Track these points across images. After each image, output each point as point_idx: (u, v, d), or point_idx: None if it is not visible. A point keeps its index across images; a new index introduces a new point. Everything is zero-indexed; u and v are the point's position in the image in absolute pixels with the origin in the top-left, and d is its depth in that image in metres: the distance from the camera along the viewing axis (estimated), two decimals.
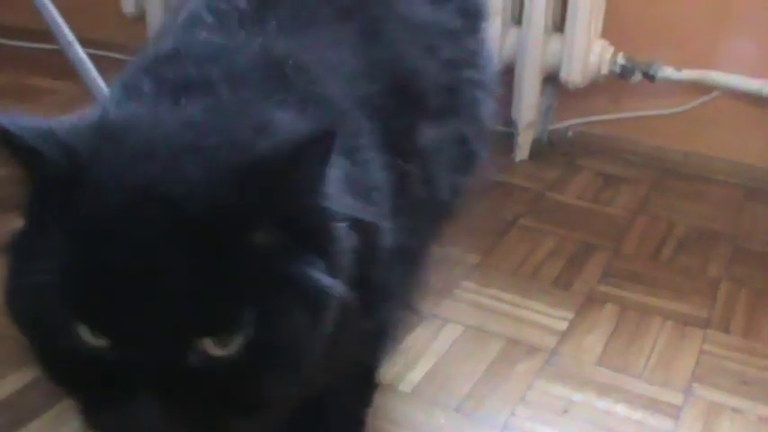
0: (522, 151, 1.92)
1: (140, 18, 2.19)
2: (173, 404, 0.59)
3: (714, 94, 1.86)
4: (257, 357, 0.61)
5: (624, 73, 1.85)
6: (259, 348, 0.60)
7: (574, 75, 1.81)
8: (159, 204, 0.59)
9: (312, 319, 0.63)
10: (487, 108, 1.01)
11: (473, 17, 1.02)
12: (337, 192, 0.66)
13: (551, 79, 1.89)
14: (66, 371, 0.63)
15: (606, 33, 1.84)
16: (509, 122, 1.90)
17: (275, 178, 0.60)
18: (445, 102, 0.90)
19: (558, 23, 1.84)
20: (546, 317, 1.37)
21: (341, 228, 0.66)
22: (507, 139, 1.92)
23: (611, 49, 1.84)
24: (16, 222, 0.64)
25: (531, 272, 1.49)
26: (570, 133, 2.02)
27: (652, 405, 1.19)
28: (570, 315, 1.37)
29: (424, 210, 0.85)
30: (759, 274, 1.53)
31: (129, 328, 0.58)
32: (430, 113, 0.87)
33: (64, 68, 1.73)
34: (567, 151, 1.99)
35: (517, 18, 1.85)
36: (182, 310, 0.58)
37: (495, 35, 1.82)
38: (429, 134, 0.86)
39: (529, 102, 1.87)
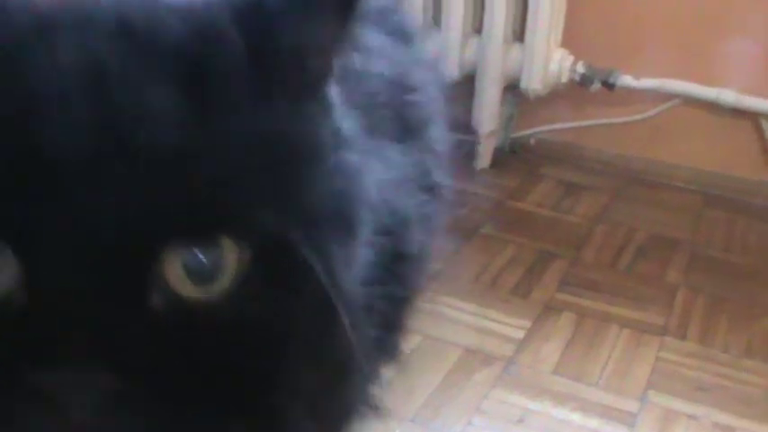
0: (484, 160, 1.93)
1: None
2: (121, 384, 0.36)
3: (673, 102, 1.88)
4: (264, 305, 0.39)
5: (584, 81, 1.86)
6: (267, 289, 0.39)
7: (534, 83, 1.83)
8: (111, 21, 0.39)
9: (348, 242, 0.43)
10: (438, 132, 0.82)
11: (397, 36, 0.81)
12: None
13: (512, 88, 1.90)
14: None
15: (566, 42, 1.86)
16: (470, 131, 1.90)
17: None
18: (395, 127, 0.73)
19: (518, 33, 1.85)
20: (504, 326, 1.37)
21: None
22: (469, 148, 1.92)
23: (571, 58, 1.85)
24: None
25: (490, 281, 1.50)
26: (532, 141, 2.03)
27: (607, 413, 1.20)
28: (528, 324, 1.38)
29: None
30: (716, 280, 1.54)
31: (52, 233, 0.35)
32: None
33: None
34: (529, 159, 2.00)
35: (477, 28, 1.86)
36: (158, 182, 0.36)
37: (456, 45, 1.83)
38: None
39: (490, 110, 1.88)
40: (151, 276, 0.37)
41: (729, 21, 1.79)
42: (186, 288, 0.38)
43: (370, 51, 0.61)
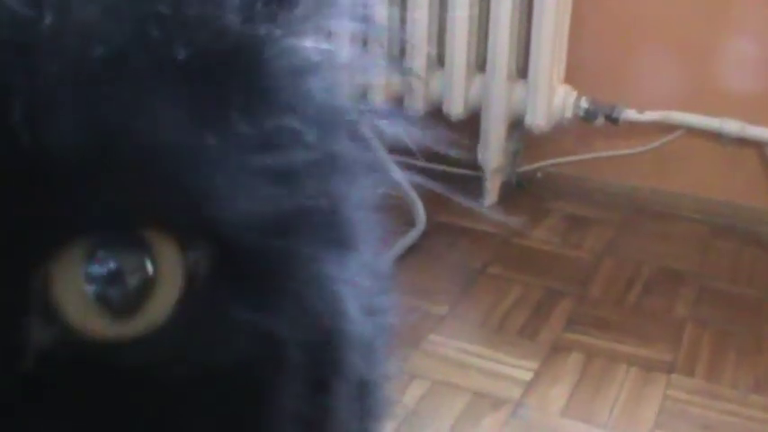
0: (491, 196, 1.95)
1: None
2: None
3: (677, 133, 1.90)
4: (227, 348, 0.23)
5: (588, 116, 1.88)
6: (228, 325, 0.23)
7: (538, 119, 1.85)
8: None
9: (345, 259, 0.29)
10: (371, 236, 0.54)
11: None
12: None
13: (517, 124, 1.92)
14: None
15: (569, 78, 1.88)
16: (477, 168, 1.93)
17: None
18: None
19: (522, 70, 1.87)
20: (512, 368, 1.39)
21: None
22: (476, 184, 1.94)
23: (575, 94, 1.87)
24: None
25: (497, 322, 1.51)
26: (539, 175, 2.05)
27: None
28: (536, 365, 1.39)
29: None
30: (723, 314, 1.55)
31: None
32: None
33: None
34: (536, 193, 2.02)
35: (481, 65, 1.89)
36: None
37: (460, 83, 1.86)
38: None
39: (495, 147, 1.90)
40: (29, 300, 0.21)
41: (731, 51, 1.81)
42: (92, 322, 0.22)
43: None
